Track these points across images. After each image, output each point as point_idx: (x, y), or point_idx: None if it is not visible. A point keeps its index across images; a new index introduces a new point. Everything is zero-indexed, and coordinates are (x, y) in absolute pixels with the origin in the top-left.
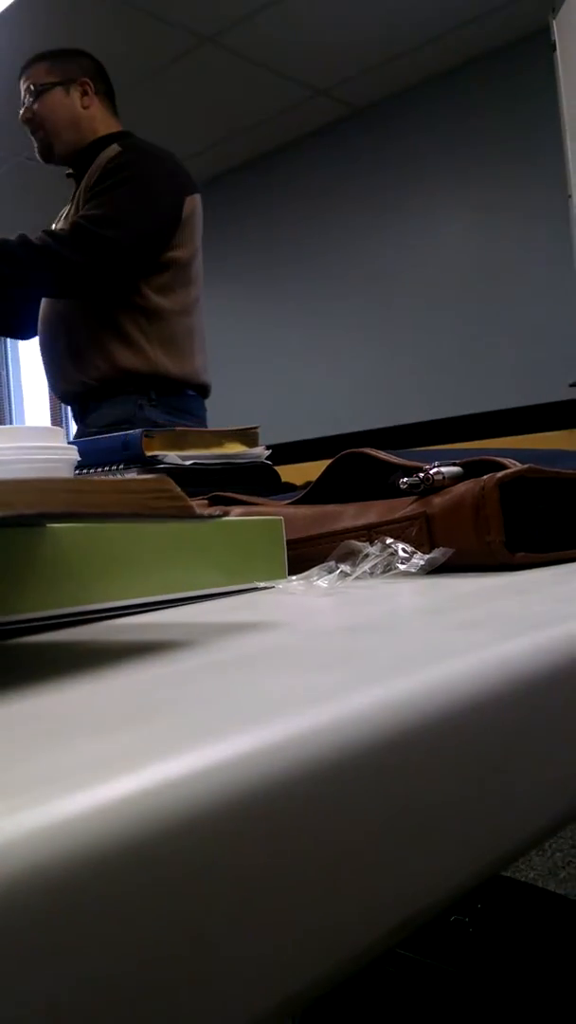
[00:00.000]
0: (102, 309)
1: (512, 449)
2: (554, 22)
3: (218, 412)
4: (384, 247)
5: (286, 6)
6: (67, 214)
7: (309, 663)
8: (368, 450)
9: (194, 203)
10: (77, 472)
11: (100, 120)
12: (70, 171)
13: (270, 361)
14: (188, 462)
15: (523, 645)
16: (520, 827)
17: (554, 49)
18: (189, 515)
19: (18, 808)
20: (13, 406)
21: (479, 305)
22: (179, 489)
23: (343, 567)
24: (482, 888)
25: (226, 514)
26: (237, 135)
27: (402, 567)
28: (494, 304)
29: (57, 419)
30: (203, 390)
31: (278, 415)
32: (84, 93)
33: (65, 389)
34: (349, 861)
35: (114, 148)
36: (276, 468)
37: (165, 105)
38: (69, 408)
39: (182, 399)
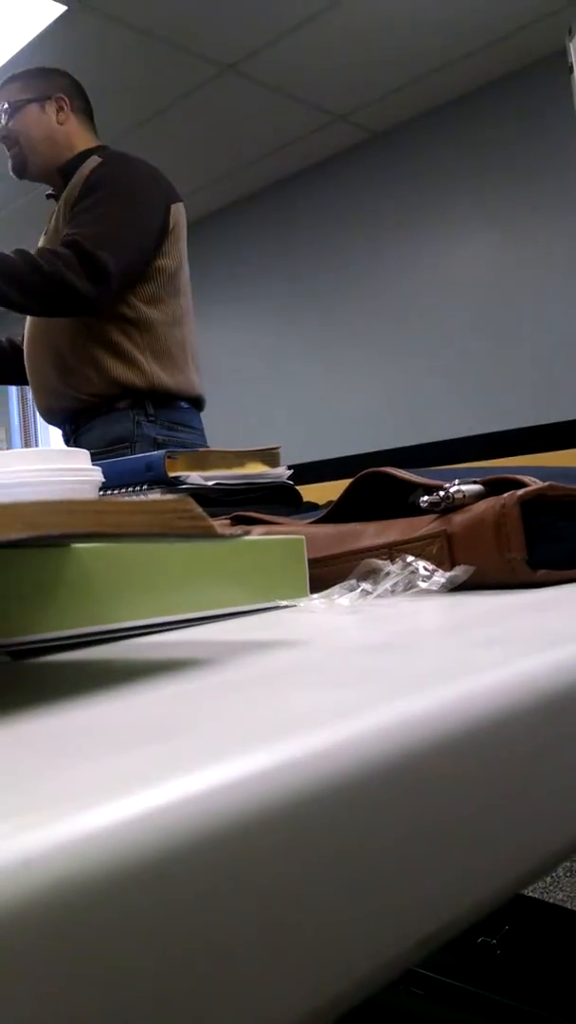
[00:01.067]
0: (91, 321)
1: (533, 467)
2: (571, 45)
3: (238, 433)
4: (403, 268)
5: (305, 33)
6: (48, 230)
7: (331, 680)
8: (388, 469)
9: (179, 212)
10: (100, 493)
11: (77, 136)
12: (50, 191)
13: (289, 382)
14: (211, 482)
15: (544, 662)
16: (543, 844)
17: (572, 71)
18: (210, 535)
19: (40, 824)
20: (39, 429)
21: (499, 324)
22: (200, 509)
23: (364, 585)
24: (509, 909)
25: (247, 533)
26: (257, 160)
27: (423, 585)
28: (513, 323)
29: None
30: (198, 403)
31: (298, 435)
32: (60, 109)
33: (55, 407)
34: (370, 877)
35: (95, 159)
36: (297, 488)
37: (186, 133)
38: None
39: (178, 412)
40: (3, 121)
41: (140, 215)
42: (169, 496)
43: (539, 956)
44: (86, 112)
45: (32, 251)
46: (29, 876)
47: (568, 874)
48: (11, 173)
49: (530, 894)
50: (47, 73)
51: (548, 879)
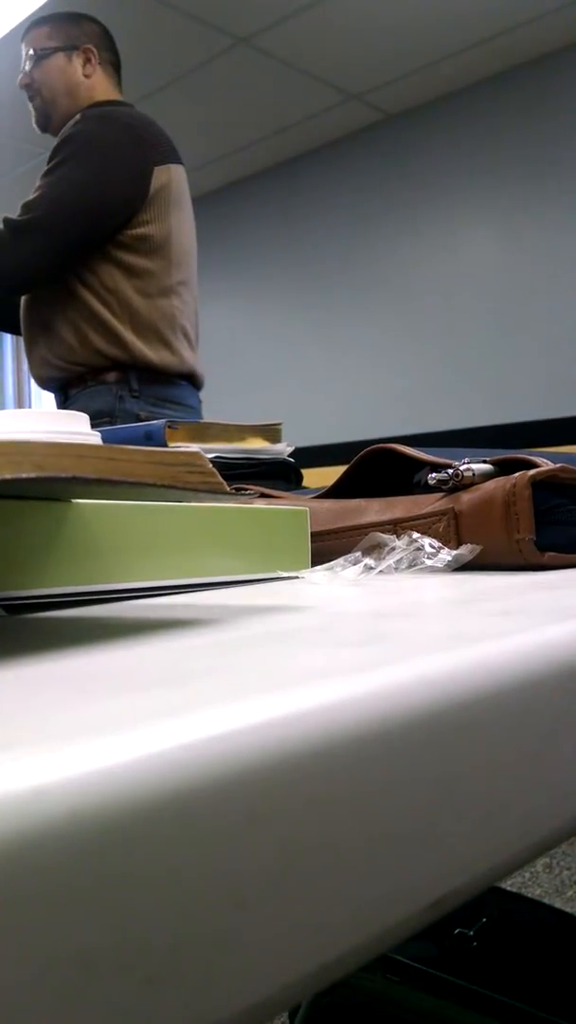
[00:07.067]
0: (72, 290)
1: (543, 450)
2: None
3: (236, 413)
4: (411, 254)
5: (322, 9)
6: None
7: (345, 641)
8: (395, 446)
9: (168, 174)
10: None
11: (99, 89)
12: None
13: (291, 364)
14: (210, 455)
15: (563, 631)
16: (553, 816)
17: None
18: (220, 491)
19: (53, 754)
20: (32, 397)
21: (506, 314)
22: (211, 465)
23: (367, 560)
24: (487, 901)
25: (258, 495)
26: (268, 137)
27: (428, 562)
28: (522, 313)
29: None
30: (192, 379)
31: (300, 423)
32: (87, 61)
33: (45, 375)
34: (378, 836)
35: (78, 115)
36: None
37: (197, 106)
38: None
39: (170, 388)
40: (27, 68)
41: (103, 180)
42: (178, 450)
43: (514, 948)
44: (113, 64)
45: None
46: (41, 805)
47: (547, 870)
48: (34, 126)
49: (508, 888)
50: (77, 19)
51: (527, 874)
